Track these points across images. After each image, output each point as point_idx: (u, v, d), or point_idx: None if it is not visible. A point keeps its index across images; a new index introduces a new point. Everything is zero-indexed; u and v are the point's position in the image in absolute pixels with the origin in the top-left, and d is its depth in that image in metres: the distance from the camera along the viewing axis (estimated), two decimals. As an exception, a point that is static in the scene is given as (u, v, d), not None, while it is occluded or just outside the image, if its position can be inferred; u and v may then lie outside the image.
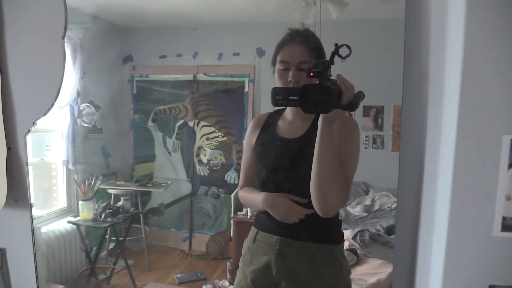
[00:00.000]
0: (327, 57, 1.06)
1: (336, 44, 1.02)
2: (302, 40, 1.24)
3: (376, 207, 3.60)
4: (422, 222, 0.88)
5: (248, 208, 3.76)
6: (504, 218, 0.75)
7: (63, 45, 0.93)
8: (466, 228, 0.75)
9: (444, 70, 0.79)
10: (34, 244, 1.00)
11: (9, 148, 1.03)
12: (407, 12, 0.84)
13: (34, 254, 0.99)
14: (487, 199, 0.74)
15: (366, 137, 4.00)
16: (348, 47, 1.00)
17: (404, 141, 0.87)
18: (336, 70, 1.03)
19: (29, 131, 0.97)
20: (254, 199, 1.33)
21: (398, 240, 0.92)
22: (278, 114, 1.39)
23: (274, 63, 1.29)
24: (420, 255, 0.89)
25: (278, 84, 1.25)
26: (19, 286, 1.10)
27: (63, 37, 0.92)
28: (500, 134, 0.72)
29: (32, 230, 1.00)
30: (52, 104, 0.96)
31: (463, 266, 0.76)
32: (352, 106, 0.99)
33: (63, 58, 0.94)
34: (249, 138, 1.42)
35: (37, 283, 1.00)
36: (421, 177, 0.88)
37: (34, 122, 0.96)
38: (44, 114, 0.96)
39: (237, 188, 1.43)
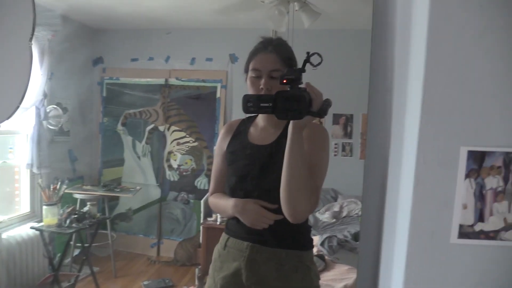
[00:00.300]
0: (299, 66, 1.08)
1: (308, 52, 1.05)
2: (274, 49, 1.27)
3: (344, 213, 3.67)
4: (385, 229, 0.91)
5: (217, 214, 3.75)
6: (461, 226, 0.78)
7: (30, 47, 0.91)
8: (426, 235, 0.78)
9: (407, 83, 0.82)
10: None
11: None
12: (373, 27, 0.87)
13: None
14: (446, 207, 0.77)
15: (336, 144, 4.08)
16: (319, 55, 1.03)
17: (369, 150, 0.90)
18: (308, 78, 1.06)
19: (-9, 134, 0.94)
20: (224, 205, 1.34)
21: (362, 247, 0.95)
22: (249, 121, 1.41)
23: (246, 71, 1.31)
24: (383, 262, 0.92)
25: (250, 91, 1.26)
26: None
27: (31, 39, 0.90)
28: (458, 145, 0.76)
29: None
30: (17, 107, 0.93)
31: (423, 272, 0.79)
32: (321, 113, 1.01)
33: (29, 60, 0.92)
34: (221, 144, 1.42)
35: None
36: (385, 185, 0.91)
37: (-3, 125, 0.93)
38: (8, 117, 0.93)
39: (207, 194, 1.43)
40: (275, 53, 1.26)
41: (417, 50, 0.77)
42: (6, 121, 0.95)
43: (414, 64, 0.79)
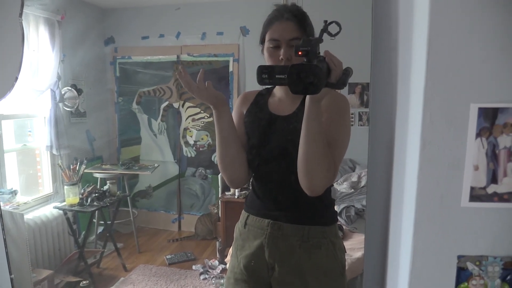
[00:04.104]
0: (316, 31, 1.02)
1: (325, 21, 0.98)
2: (291, 16, 1.20)
3: (363, 183, 3.62)
4: (393, 194, 0.87)
5: (236, 189, 3.77)
6: (472, 188, 0.74)
7: (21, 23, 0.89)
8: (434, 199, 0.74)
9: (412, 40, 0.77)
10: (3, 229, 0.98)
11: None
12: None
13: (4, 240, 0.97)
14: (456, 169, 0.73)
15: (352, 114, 3.99)
16: (338, 24, 0.97)
17: (374, 113, 0.86)
18: (321, 45, 1.00)
19: (-9, 114, 0.94)
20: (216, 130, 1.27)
21: (369, 214, 0.92)
22: (268, 91, 1.36)
23: (262, 42, 1.25)
24: (392, 228, 0.89)
25: (268, 63, 1.20)
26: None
27: (20, 14, 0.88)
28: (467, 102, 0.71)
29: (1, 216, 0.98)
30: (12, 86, 0.92)
31: (432, 237, 0.75)
32: (340, 84, 0.94)
33: (21, 38, 0.90)
34: (240, 108, 1.36)
35: (9, 268, 0.98)
36: (391, 149, 0.86)
37: (-5, 105, 0.93)
38: (4, 96, 0.93)
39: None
40: (292, 20, 1.19)
41: (420, 4, 0.71)
42: (3, 100, 0.94)
43: (418, 16, 0.73)
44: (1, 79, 0.92)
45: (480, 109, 0.70)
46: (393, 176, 0.89)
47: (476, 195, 0.74)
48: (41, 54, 3.39)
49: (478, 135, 0.72)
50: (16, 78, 0.90)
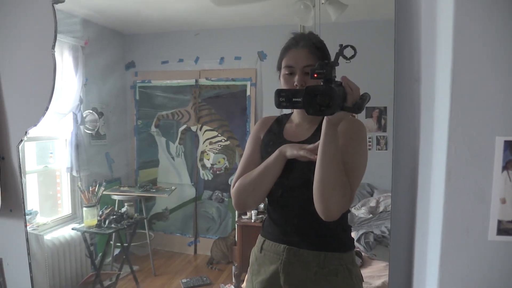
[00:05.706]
0: (332, 59, 1.04)
1: (341, 45, 0.99)
2: (306, 44, 1.23)
3: (381, 208, 3.56)
4: (417, 225, 0.86)
5: (252, 212, 3.74)
6: (499, 222, 0.73)
7: (53, 55, 0.93)
8: (461, 233, 0.73)
9: (435, 72, 0.77)
10: (29, 253, 0.99)
11: (2, 158, 1.03)
12: (396, 14, 0.82)
13: (29, 264, 0.99)
14: (482, 202, 0.72)
15: (370, 138, 3.97)
16: (353, 47, 0.98)
17: (397, 143, 0.86)
18: (338, 70, 1.02)
19: (21, 140, 0.97)
20: (265, 163, 1.24)
21: (393, 245, 0.91)
22: (286, 117, 1.38)
23: (279, 68, 1.28)
24: (416, 260, 0.87)
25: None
26: (16, 295, 1.11)
27: (53, 46, 0.92)
28: (493, 135, 0.70)
29: (27, 240, 1.00)
30: (44, 114, 0.95)
31: (459, 271, 0.74)
32: (357, 108, 0.96)
33: (53, 67, 0.94)
34: (257, 133, 1.36)
35: (33, 292, 1.00)
36: (415, 180, 0.86)
37: (26, 132, 0.96)
38: (36, 124, 0.96)
39: (232, 183, 1.35)
40: (307, 48, 1.22)
41: (444, 34, 0.72)
42: (34, 128, 0.97)
43: (441, 50, 0.74)
44: (33, 108, 0.96)
45: (506, 142, 0.70)
46: (417, 205, 0.88)
47: (504, 229, 0.73)
48: (64, 78, 3.50)
49: (505, 168, 0.71)
50: (47, 108, 0.94)
